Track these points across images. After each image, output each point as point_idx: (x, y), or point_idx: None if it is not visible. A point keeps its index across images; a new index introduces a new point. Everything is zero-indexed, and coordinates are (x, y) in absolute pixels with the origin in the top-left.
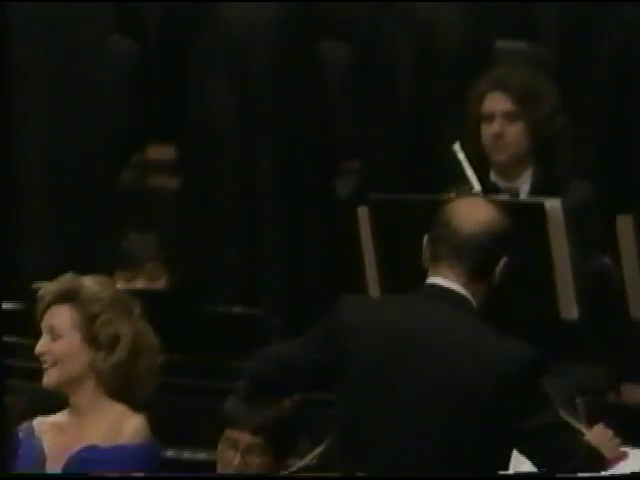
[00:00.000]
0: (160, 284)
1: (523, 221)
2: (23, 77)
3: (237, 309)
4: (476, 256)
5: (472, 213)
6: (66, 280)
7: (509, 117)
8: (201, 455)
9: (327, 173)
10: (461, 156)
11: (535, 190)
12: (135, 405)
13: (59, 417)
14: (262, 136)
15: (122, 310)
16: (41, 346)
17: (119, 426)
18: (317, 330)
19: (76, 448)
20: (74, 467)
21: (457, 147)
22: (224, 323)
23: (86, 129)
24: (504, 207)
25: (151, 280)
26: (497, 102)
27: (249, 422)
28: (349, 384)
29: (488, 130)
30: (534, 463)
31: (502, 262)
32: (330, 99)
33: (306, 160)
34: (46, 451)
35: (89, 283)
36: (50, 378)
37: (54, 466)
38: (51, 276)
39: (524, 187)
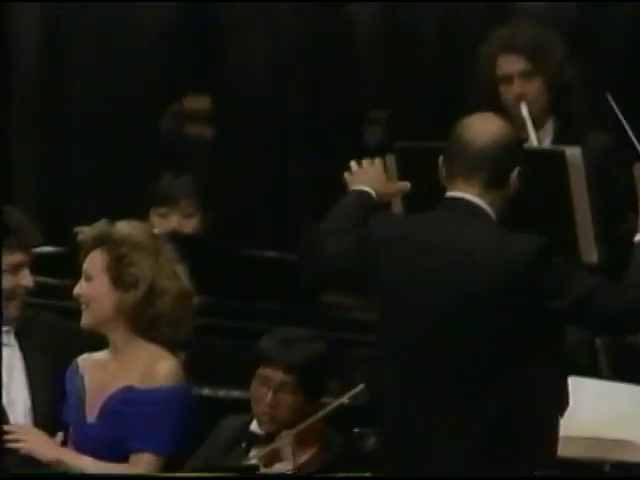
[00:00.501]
0: (193, 222)
1: (545, 168)
2: (66, 31)
3: (270, 253)
4: (489, 166)
5: (483, 127)
6: (99, 226)
7: (526, 76)
8: (235, 393)
9: (356, 123)
10: (525, 113)
11: (557, 141)
12: (169, 346)
13: (102, 355)
14: (293, 87)
15: (146, 252)
16: (77, 289)
17: (152, 368)
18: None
19: (113, 388)
20: (111, 406)
21: (524, 107)
22: (258, 266)
23: (128, 80)
24: (527, 155)
25: (185, 217)
26: (511, 64)
27: (282, 360)
28: (380, 295)
29: (508, 91)
30: (594, 328)
31: (515, 171)
32: (359, 50)
33: (336, 110)
34: (86, 387)
35: (120, 227)
36: (85, 319)
37: (92, 402)
38: (96, 220)
39: (547, 140)
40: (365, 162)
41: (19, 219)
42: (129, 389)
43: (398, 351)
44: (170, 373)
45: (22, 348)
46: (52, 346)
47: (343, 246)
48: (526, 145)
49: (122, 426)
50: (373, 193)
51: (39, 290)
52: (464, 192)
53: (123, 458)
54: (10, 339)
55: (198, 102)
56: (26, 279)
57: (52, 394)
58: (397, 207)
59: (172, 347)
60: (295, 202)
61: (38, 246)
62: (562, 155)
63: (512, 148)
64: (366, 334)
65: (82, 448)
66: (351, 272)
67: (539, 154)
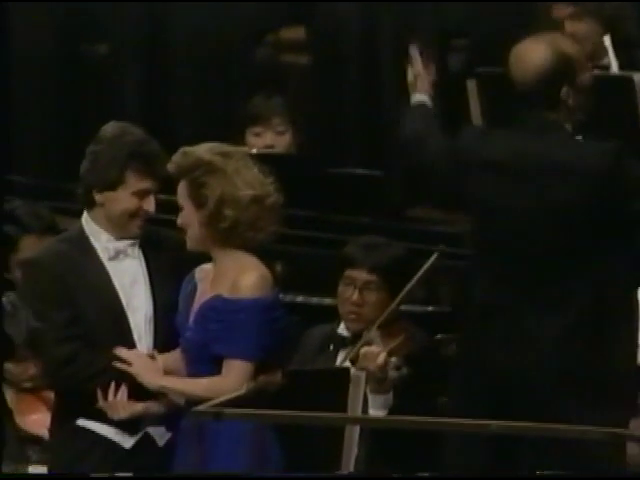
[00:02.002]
0: (286, 138)
1: (613, 93)
2: None
3: (359, 170)
4: (543, 88)
5: (530, 53)
6: (175, 158)
7: (576, 17)
8: (327, 300)
9: (440, 50)
10: (607, 43)
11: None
12: (254, 248)
13: (210, 266)
14: (382, 17)
15: (215, 171)
16: (178, 219)
17: (239, 279)
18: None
19: (208, 295)
20: (202, 313)
21: (606, 38)
22: (348, 183)
23: (229, 13)
24: (596, 81)
25: (278, 134)
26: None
27: (365, 261)
28: (471, 205)
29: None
30: None
31: (565, 89)
32: None
33: (422, 37)
34: (194, 295)
35: (190, 153)
36: (187, 243)
37: (195, 306)
38: (199, 142)
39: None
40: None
41: (155, 148)
42: (218, 297)
43: (490, 256)
44: (254, 284)
45: (146, 260)
46: (174, 261)
47: (441, 147)
48: (600, 72)
49: (208, 331)
50: (431, 105)
51: (164, 207)
52: (536, 112)
53: (209, 361)
54: (135, 251)
55: (294, 32)
56: (150, 205)
57: (172, 305)
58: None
59: (256, 251)
60: (385, 122)
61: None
62: (630, 80)
63: (557, 71)
64: (450, 246)
65: (183, 350)
66: (447, 175)
67: (607, 79)
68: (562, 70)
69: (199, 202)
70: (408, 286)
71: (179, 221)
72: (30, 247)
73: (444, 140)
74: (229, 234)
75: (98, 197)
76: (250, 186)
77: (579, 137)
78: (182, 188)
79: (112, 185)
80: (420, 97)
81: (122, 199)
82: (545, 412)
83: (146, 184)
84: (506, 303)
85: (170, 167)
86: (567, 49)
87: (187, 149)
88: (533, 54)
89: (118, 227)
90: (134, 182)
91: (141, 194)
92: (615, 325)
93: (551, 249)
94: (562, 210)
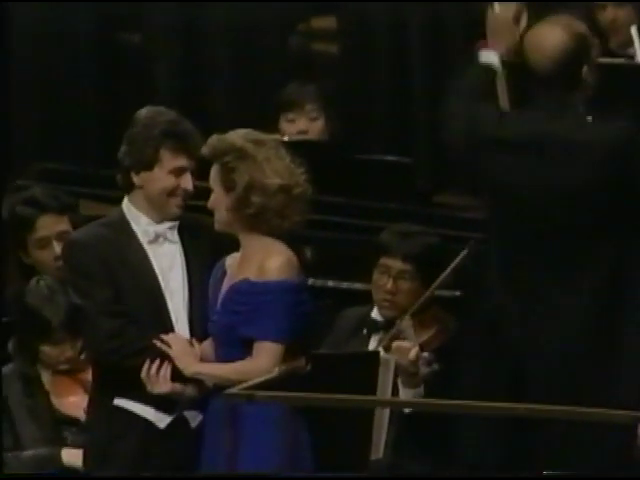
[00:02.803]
0: (319, 125)
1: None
2: None
3: (389, 157)
4: (563, 71)
5: (547, 38)
6: (210, 142)
7: (619, 3)
8: (358, 285)
9: (467, 40)
10: (633, 32)
11: None
12: (284, 234)
13: (239, 252)
14: (411, 6)
15: (246, 157)
16: (209, 201)
17: (266, 263)
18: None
19: (235, 279)
20: (229, 296)
21: (633, 28)
22: (377, 169)
23: (262, 2)
24: (622, 70)
25: (310, 121)
26: None
27: (400, 250)
28: (486, 185)
29: (603, 16)
30: None
31: (585, 68)
32: None
33: (449, 28)
34: (223, 280)
35: (224, 139)
36: (215, 224)
37: (223, 290)
38: (233, 129)
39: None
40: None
41: (188, 126)
42: (245, 281)
43: (505, 235)
44: (280, 267)
45: (184, 246)
46: (211, 247)
47: (460, 125)
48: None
49: (236, 314)
50: (500, 67)
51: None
52: (553, 94)
53: (238, 344)
54: (174, 235)
55: (325, 21)
56: (187, 183)
57: (207, 290)
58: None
59: (298, 241)
60: (414, 110)
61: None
62: None
63: (576, 51)
64: (480, 232)
65: (211, 334)
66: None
67: (634, 69)
68: (581, 50)
69: (228, 186)
70: (439, 279)
71: (209, 203)
72: (47, 226)
73: (464, 119)
74: (255, 220)
75: (136, 179)
76: (279, 175)
77: (589, 117)
78: (214, 171)
79: (148, 165)
80: (488, 57)
81: (159, 178)
82: (561, 392)
83: (181, 162)
84: (522, 282)
85: (204, 150)
86: (580, 29)
87: (221, 134)
88: (551, 38)
89: (158, 208)
90: (169, 160)
91: (177, 172)
92: (630, 304)
93: (567, 228)
94: (578, 189)
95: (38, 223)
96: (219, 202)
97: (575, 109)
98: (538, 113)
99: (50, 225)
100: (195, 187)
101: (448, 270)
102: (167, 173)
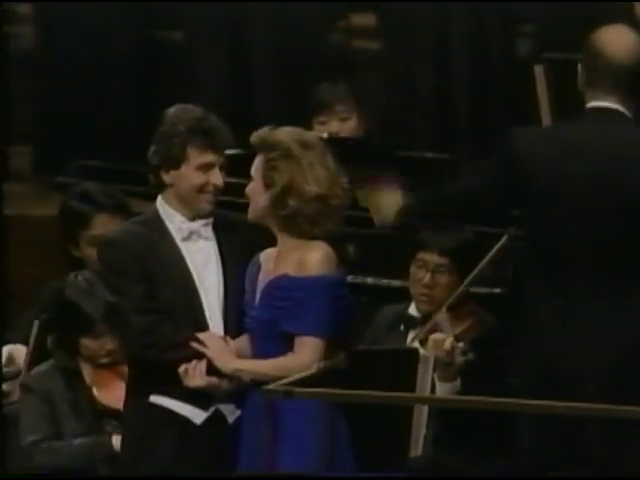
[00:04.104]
0: (350, 125)
1: None
2: None
3: (429, 154)
4: (632, 80)
5: (623, 42)
6: (261, 132)
7: None
8: (396, 283)
9: (507, 36)
10: None
11: None
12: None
13: (275, 249)
14: (451, 3)
15: (290, 158)
16: (247, 187)
17: (304, 258)
18: (491, 161)
19: (273, 275)
20: (268, 292)
21: None
22: (417, 166)
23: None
24: None
25: (341, 121)
26: None
27: (438, 244)
28: (530, 205)
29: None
30: None
31: None
32: None
33: (491, 24)
34: (258, 276)
35: (274, 134)
36: (248, 213)
37: (259, 286)
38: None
39: None
40: None
41: (214, 122)
42: (284, 276)
43: (553, 245)
44: (320, 261)
45: (219, 243)
46: (246, 244)
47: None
48: None
49: (276, 309)
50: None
51: (232, 190)
52: (608, 102)
53: (277, 339)
54: (207, 232)
55: (364, 18)
56: (217, 178)
57: (242, 287)
58: (546, 115)
59: (339, 238)
60: (455, 106)
61: (229, 148)
62: None
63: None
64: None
65: (249, 329)
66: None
67: None
68: None
69: (267, 182)
70: (477, 268)
71: (247, 189)
72: (102, 225)
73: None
74: (287, 222)
75: (166, 177)
76: (318, 183)
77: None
78: (258, 161)
79: (176, 163)
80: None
81: (188, 175)
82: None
83: (208, 157)
84: (570, 293)
85: (253, 138)
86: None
87: (273, 128)
88: (632, 44)
89: (189, 205)
90: (196, 157)
91: (205, 168)
92: None
93: (617, 236)
94: (628, 198)
95: (94, 221)
96: (257, 193)
97: (622, 115)
98: (587, 124)
99: (105, 224)
100: (226, 183)
101: (489, 255)
102: (195, 170)
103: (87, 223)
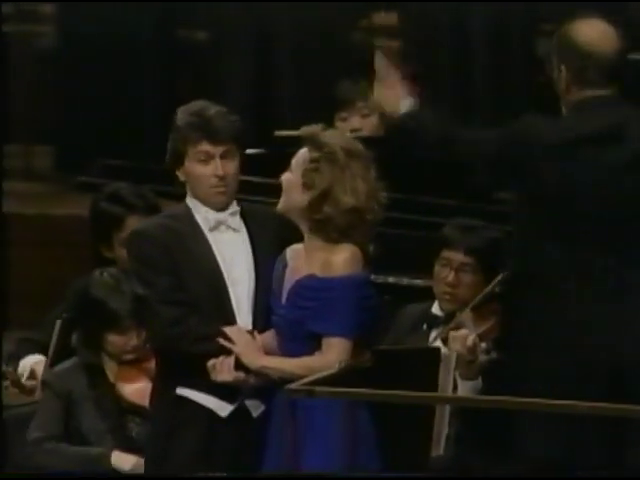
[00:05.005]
0: (371, 121)
1: None
2: None
3: None
4: (614, 67)
5: (600, 34)
6: (313, 127)
7: None
8: (418, 281)
9: (529, 35)
10: None
11: None
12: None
13: (301, 245)
14: (473, 2)
15: (334, 164)
16: (282, 175)
17: (331, 258)
18: (504, 130)
19: (300, 275)
20: (295, 291)
21: None
22: (438, 165)
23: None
24: None
25: (363, 117)
26: None
27: (463, 243)
28: (528, 189)
29: None
30: None
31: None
32: None
33: (513, 23)
34: (285, 273)
35: (326, 134)
36: (279, 203)
37: (286, 286)
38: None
39: None
40: None
41: (211, 113)
42: (311, 276)
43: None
44: (346, 261)
45: (250, 235)
46: (276, 238)
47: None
48: None
49: (303, 309)
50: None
51: (252, 189)
52: (603, 90)
53: (304, 339)
54: (235, 223)
55: (387, 17)
56: (216, 168)
57: (271, 281)
58: None
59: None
60: (476, 107)
61: (230, 136)
62: None
63: (622, 48)
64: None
65: (276, 327)
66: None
67: None
68: (625, 48)
69: (306, 182)
70: (500, 277)
71: (283, 179)
72: (135, 226)
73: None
74: (318, 225)
75: (180, 174)
76: (356, 195)
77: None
78: (302, 155)
79: (180, 158)
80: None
81: (191, 169)
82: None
83: (204, 147)
84: (585, 276)
85: (303, 131)
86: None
87: (325, 128)
88: (608, 35)
89: (206, 199)
90: (193, 149)
91: (204, 159)
92: None
93: (633, 219)
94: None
95: (127, 223)
96: (292, 186)
97: (626, 106)
98: (589, 113)
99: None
100: (248, 182)
101: (498, 278)
102: (196, 163)
103: (120, 225)
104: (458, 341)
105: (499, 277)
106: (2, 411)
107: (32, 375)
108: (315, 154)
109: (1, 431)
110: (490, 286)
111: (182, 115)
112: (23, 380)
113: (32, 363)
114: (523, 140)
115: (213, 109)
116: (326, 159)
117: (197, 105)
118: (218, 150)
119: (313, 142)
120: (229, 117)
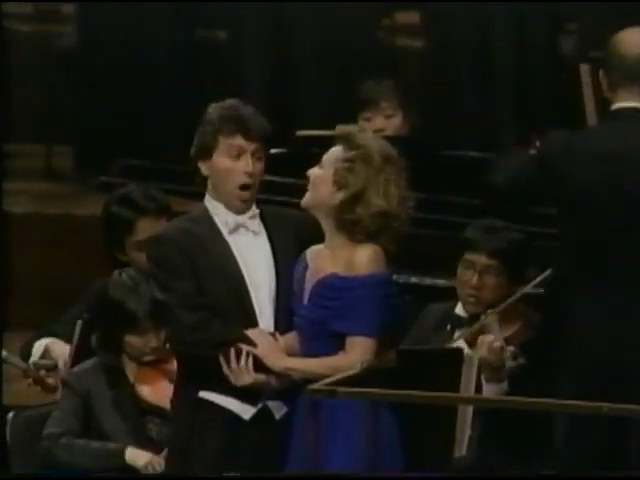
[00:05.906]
0: (395, 122)
1: None
2: None
3: (473, 153)
4: None
5: (636, 39)
6: (350, 127)
7: None
8: (440, 281)
9: (552, 34)
10: None
11: None
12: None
13: (321, 245)
14: (494, 2)
15: (369, 166)
16: (310, 170)
17: (354, 257)
18: (530, 156)
19: (323, 274)
20: (318, 291)
21: None
22: (461, 165)
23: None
24: None
25: (386, 118)
26: None
27: (486, 246)
28: (563, 205)
29: None
30: None
31: None
32: None
33: (535, 23)
34: (306, 274)
35: (363, 135)
36: (305, 198)
37: (307, 286)
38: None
39: None
40: None
41: (247, 111)
42: (333, 276)
43: (585, 244)
44: (369, 261)
45: (270, 237)
46: (297, 240)
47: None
48: None
49: (326, 309)
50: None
51: (272, 188)
52: (631, 101)
53: (326, 338)
54: (255, 225)
55: (409, 16)
56: (247, 164)
57: (292, 283)
58: (591, 114)
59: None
60: (500, 106)
61: (264, 136)
62: None
63: None
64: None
65: (298, 328)
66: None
67: None
68: None
69: (338, 180)
70: (533, 282)
71: (310, 172)
72: (146, 229)
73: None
74: (345, 225)
75: (203, 168)
76: (387, 200)
77: None
78: (336, 151)
79: (208, 151)
80: None
81: (219, 162)
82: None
83: (237, 141)
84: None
85: (339, 130)
86: None
87: (364, 132)
88: None
89: (227, 196)
90: (227, 144)
91: (235, 153)
92: None
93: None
94: None
95: (137, 226)
96: (322, 182)
97: None
98: (615, 125)
99: (149, 228)
100: (269, 182)
101: (542, 276)
102: (226, 156)
103: (130, 229)
104: (486, 347)
105: (527, 287)
106: (2, 412)
107: (46, 355)
108: (350, 154)
109: (1, 428)
110: (520, 292)
111: (215, 109)
112: (36, 359)
113: (48, 342)
114: (558, 158)
115: (247, 107)
116: (361, 160)
117: (231, 102)
118: (250, 147)
119: (349, 142)
120: (261, 117)
